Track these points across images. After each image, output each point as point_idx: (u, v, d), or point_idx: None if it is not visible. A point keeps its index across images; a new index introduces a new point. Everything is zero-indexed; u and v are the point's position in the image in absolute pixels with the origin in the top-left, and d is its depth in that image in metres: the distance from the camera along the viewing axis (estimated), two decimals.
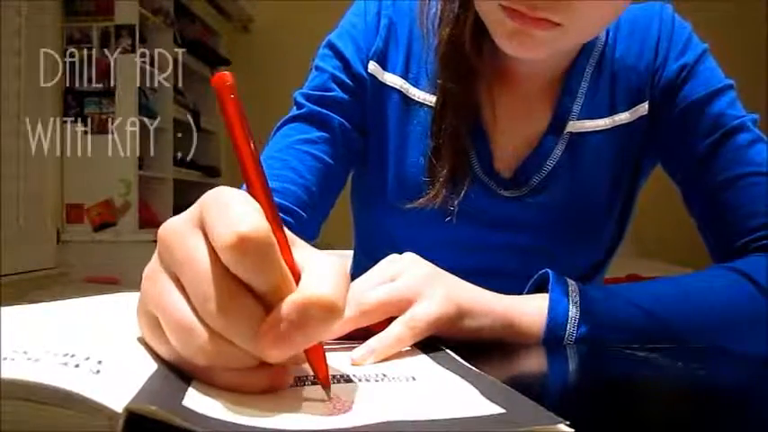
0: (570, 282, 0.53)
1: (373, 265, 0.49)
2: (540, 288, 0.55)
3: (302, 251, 0.31)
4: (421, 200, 0.67)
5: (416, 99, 0.70)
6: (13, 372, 0.24)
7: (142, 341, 0.32)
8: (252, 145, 0.32)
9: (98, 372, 0.26)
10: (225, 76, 0.33)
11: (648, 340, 0.51)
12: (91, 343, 0.30)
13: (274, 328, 0.27)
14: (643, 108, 0.69)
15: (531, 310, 0.51)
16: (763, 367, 0.50)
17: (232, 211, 0.27)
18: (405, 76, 0.70)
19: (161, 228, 0.30)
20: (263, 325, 0.27)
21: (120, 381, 0.26)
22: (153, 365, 0.29)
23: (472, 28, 0.61)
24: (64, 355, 0.27)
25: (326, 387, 0.30)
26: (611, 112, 0.69)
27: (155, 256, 0.31)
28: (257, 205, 0.29)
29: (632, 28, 0.70)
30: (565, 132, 0.69)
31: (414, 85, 0.70)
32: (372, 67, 0.70)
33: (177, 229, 0.29)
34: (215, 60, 3.89)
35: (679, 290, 0.57)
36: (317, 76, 0.71)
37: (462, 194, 0.67)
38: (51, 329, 0.34)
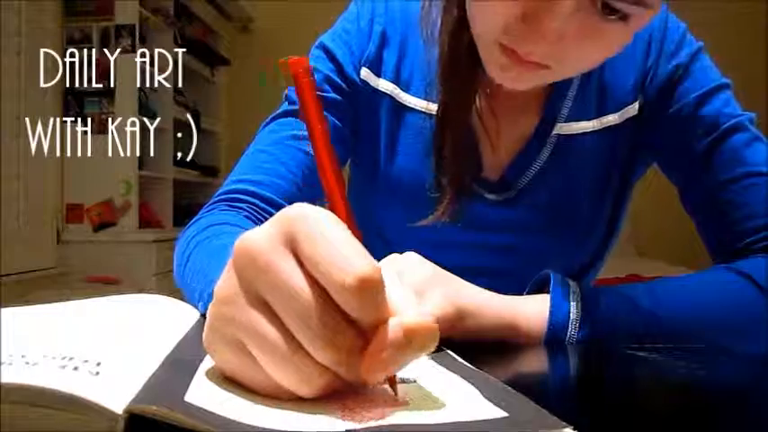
0: (571, 282, 0.53)
1: None
2: (540, 288, 0.55)
3: (393, 276, 0.30)
4: (429, 218, 0.67)
5: (407, 104, 0.70)
6: (11, 376, 0.24)
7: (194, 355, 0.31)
8: (332, 150, 0.32)
9: (97, 373, 0.26)
10: (301, 60, 0.32)
11: (649, 340, 0.51)
12: (90, 345, 0.30)
13: (380, 355, 0.27)
14: (633, 109, 0.69)
15: (532, 310, 0.51)
16: (763, 367, 0.50)
17: (342, 248, 0.27)
18: (396, 82, 0.70)
19: (242, 243, 0.28)
20: (369, 352, 0.27)
21: (119, 382, 0.26)
22: (152, 366, 0.29)
23: (469, 42, 0.61)
24: (62, 358, 0.27)
25: (393, 384, 0.31)
26: (600, 113, 0.69)
27: (231, 275, 0.29)
28: (353, 237, 0.28)
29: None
30: (552, 134, 0.68)
31: (405, 90, 0.70)
32: (365, 73, 0.70)
33: (265, 249, 0.28)
34: (215, 60, 3.89)
35: (680, 290, 0.56)
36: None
37: (466, 207, 0.67)
38: (50, 332, 0.34)
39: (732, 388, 0.43)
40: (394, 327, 0.27)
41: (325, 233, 0.27)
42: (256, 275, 0.28)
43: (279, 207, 0.63)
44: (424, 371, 0.36)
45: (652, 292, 0.55)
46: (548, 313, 0.51)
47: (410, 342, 0.27)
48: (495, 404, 0.28)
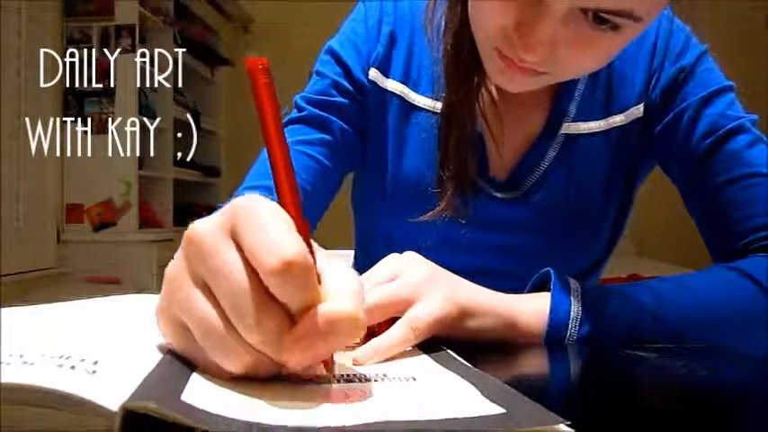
0: (572, 281, 0.53)
1: (372, 264, 0.49)
2: (541, 287, 0.55)
3: (320, 259, 0.32)
4: (430, 212, 0.67)
5: (416, 103, 0.71)
6: (8, 376, 0.24)
7: (149, 338, 0.32)
8: (283, 141, 0.33)
9: (94, 372, 0.26)
10: (259, 60, 0.34)
11: (650, 340, 0.51)
12: (87, 344, 0.30)
13: (301, 339, 0.28)
14: (638, 111, 0.69)
15: (532, 309, 0.51)
16: (763, 367, 0.50)
17: (273, 234, 0.28)
18: (405, 81, 0.71)
19: (191, 231, 0.30)
20: (290, 335, 0.28)
21: (116, 380, 0.26)
22: (150, 365, 0.29)
23: (471, 42, 0.62)
24: (60, 357, 0.27)
25: (329, 371, 0.32)
26: (607, 114, 0.70)
27: (179, 259, 0.31)
28: (292, 223, 0.29)
29: None
30: (559, 134, 0.69)
31: (413, 90, 0.71)
32: (374, 73, 0.71)
33: (210, 236, 0.30)
34: (215, 60, 3.89)
35: (680, 289, 0.56)
36: (317, 81, 0.72)
37: (472, 203, 0.68)
38: (48, 332, 0.34)
39: (732, 388, 0.43)
40: (317, 313, 0.28)
41: (260, 221, 0.29)
42: (200, 260, 0.29)
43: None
44: (423, 369, 0.37)
45: (653, 292, 0.55)
46: (548, 312, 0.51)
47: (331, 330, 0.28)
48: (493, 401, 0.28)
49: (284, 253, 0.27)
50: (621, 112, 0.69)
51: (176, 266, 0.31)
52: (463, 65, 0.65)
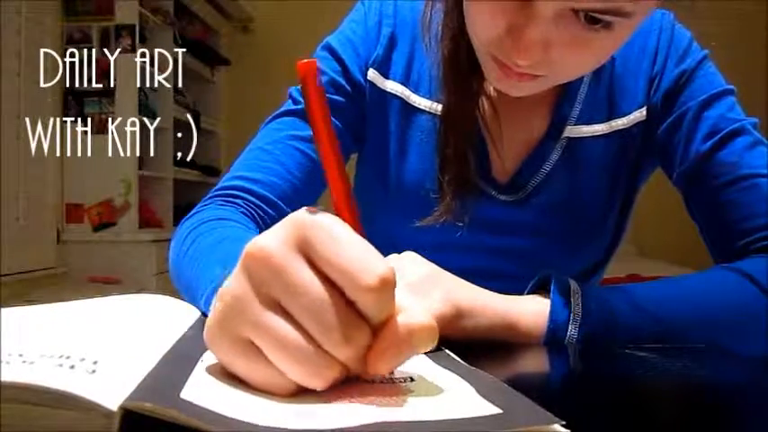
0: (571, 282, 0.53)
1: None
2: (540, 288, 0.55)
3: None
4: (430, 217, 0.67)
5: (417, 105, 0.70)
6: (8, 375, 0.24)
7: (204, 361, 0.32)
8: (339, 155, 0.33)
9: (93, 372, 0.26)
10: (311, 63, 0.33)
11: (649, 340, 0.51)
12: (87, 344, 0.30)
13: (387, 351, 0.29)
14: (641, 114, 0.69)
15: (531, 310, 0.51)
16: (763, 367, 0.50)
17: (360, 251, 0.28)
18: (405, 83, 0.71)
19: (254, 248, 0.29)
20: (376, 348, 0.29)
21: (115, 380, 0.26)
22: (150, 364, 0.29)
23: (469, 46, 0.62)
24: (59, 357, 0.27)
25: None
26: (609, 117, 0.70)
27: (241, 278, 0.29)
28: (366, 241, 0.30)
29: (632, 35, 0.70)
30: (562, 137, 0.69)
31: (414, 92, 0.70)
32: (372, 74, 0.71)
33: (278, 252, 0.29)
34: (215, 60, 3.89)
35: (680, 290, 0.57)
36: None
37: (470, 207, 0.68)
38: (48, 332, 0.34)
39: (732, 388, 0.43)
40: (400, 326, 0.29)
41: (340, 237, 0.29)
42: (269, 277, 0.29)
43: (274, 206, 0.64)
44: (421, 369, 0.37)
45: (653, 292, 0.55)
46: (547, 313, 0.51)
47: (412, 340, 0.29)
48: (490, 401, 0.29)
49: (380, 270, 0.28)
50: (624, 115, 0.70)
51: (238, 285, 0.29)
52: (461, 70, 0.65)
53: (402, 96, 0.71)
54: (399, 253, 0.51)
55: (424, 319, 0.30)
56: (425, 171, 0.70)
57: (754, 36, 3.69)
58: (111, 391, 0.25)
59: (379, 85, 0.71)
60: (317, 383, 0.29)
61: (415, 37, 0.71)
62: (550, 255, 0.71)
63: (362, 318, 0.29)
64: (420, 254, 0.51)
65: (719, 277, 0.59)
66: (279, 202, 0.65)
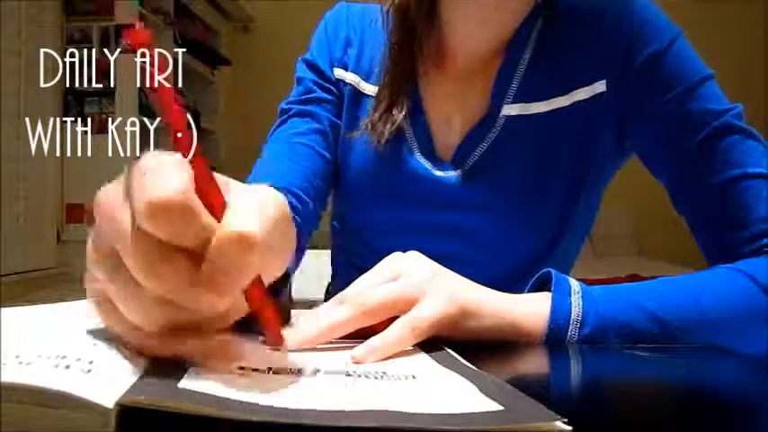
0: (572, 281, 0.53)
1: (337, 250, 0.50)
2: (541, 288, 0.55)
3: (234, 193, 0.31)
4: (362, 123, 0.74)
5: (366, 92, 0.77)
6: (6, 376, 0.24)
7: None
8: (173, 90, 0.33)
9: (89, 371, 0.26)
10: (142, 32, 0.34)
11: (650, 340, 0.51)
12: (84, 344, 0.30)
13: (209, 278, 0.27)
14: (591, 90, 0.69)
15: (533, 310, 0.51)
16: (763, 367, 0.50)
17: (147, 179, 0.27)
18: (357, 72, 0.78)
19: (97, 200, 0.30)
20: (196, 276, 0.28)
21: (111, 379, 0.26)
22: (145, 364, 0.29)
23: (411, 36, 0.70)
24: (56, 357, 0.27)
25: (279, 343, 0.34)
26: (551, 95, 0.71)
27: (92, 233, 0.30)
28: (174, 164, 0.28)
29: (586, 6, 0.71)
30: (501, 115, 0.71)
31: (365, 80, 0.78)
32: (339, 72, 0.79)
33: (111, 201, 0.29)
34: (215, 60, 3.89)
35: (681, 289, 0.56)
36: (298, 86, 0.80)
37: (395, 124, 0.72)
38: (46, 332, 0.34)
39: (732, 388, 0.43)
40: (213, 245, 0.27)
41: (140, 168, 0.28)
42: (104, 225, 0.29)
43: (291, 204, 0.65)
44: (423, 368, 0.37)
45: (653, 292, 0.55)
46: (548, 313, 0.51)
47: (222, 257, 0.27)
48: (492, 398, 0.29)
49: (151, 195, 0.26)
50: (569, 91, 0.70)
51: (91, 238, 0.30)
52: (406, 16, 0.72)
53: (353, 83, 0.78)
54: (362, 242, 0.52)
55: (233, 227, 0.27)
56: (369, 151, 0.75)
57: (755, 30, 3.69)
58: (107, 389, 0.25)
59: (341, 78, 0.79)
60: (144, 322, 0.29)
61: (364, 33, 0.79)
62: (495, 235, 0.72)
63: (178, 250, 0.27)
64: (373, 235, 0.52)
65: (720, 277, 0.59)
66: (293, 199, 0.68)
